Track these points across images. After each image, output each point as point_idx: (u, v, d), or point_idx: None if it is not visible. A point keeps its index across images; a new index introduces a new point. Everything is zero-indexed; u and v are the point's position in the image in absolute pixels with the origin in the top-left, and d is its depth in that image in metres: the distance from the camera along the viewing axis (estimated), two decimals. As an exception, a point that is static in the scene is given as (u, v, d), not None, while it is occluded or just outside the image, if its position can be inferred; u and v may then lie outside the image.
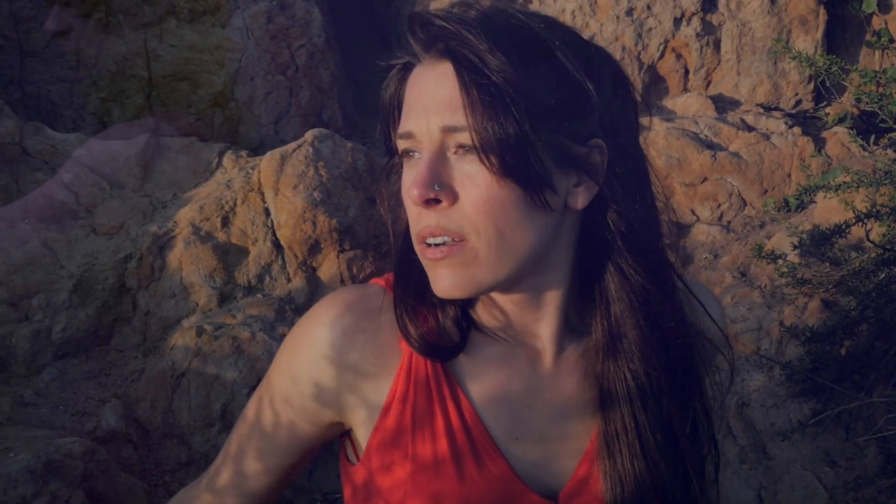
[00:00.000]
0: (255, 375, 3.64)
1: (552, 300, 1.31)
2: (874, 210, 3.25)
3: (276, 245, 4.04)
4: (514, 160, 1.16)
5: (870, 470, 3.17)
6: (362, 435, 1.33)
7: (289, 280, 4.00)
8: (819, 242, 3.29)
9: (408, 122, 1.24)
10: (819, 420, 3.19)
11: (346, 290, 1.34)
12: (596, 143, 1.23)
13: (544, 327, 1.32)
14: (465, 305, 1.32)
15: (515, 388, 1.32)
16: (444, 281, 1.23)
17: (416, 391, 1.29)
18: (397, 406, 1.29)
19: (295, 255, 4.02)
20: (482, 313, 1.33)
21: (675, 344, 1.32)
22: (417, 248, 1.25)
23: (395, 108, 1.30)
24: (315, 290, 4.01)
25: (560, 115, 1.19)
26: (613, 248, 1.28)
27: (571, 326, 1.34)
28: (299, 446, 1.37)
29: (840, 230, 3.23)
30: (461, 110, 1.17)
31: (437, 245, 1.22)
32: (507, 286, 1.27)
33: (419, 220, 1.23)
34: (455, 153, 1.20)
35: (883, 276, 3.19)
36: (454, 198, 1.20)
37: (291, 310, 3.89)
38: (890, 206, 3.26)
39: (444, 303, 1.30)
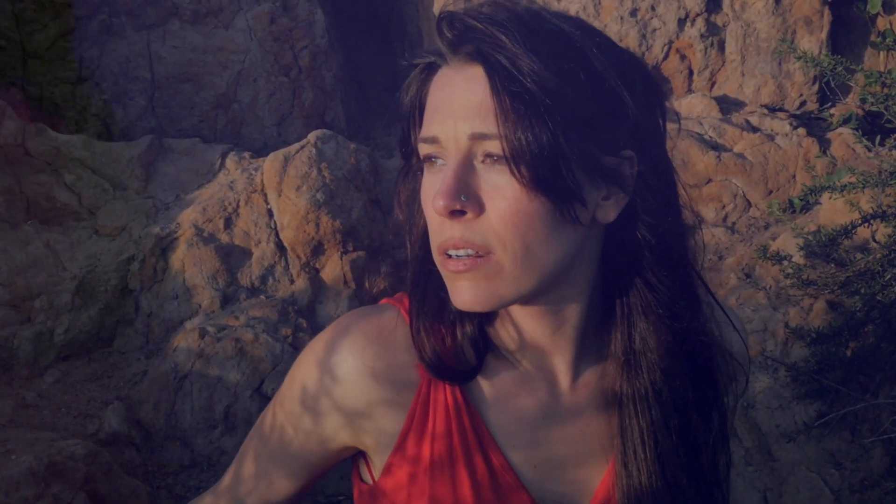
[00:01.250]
0: (257, 377, 3.63)
1: (572, 316, 1.26)
2: (880, 211, 3.24)
3: (279, 246, 4.03)
4: (546, 172, 1.11)
5: (875, 472, 3.15)
6: (375, 453, 1.30)
7: (292, 281, 3.99)
8: (824, 243, 3.27)
9: (433, 127, 1.17)
10: (824, 422, 3.17)
11: (359, 312, 1.30)
12: (627, 155, 1.18)
13: (562, 346, 1.28)
14: (482, 322, 1.27)
15: (534, 415, 1.28)
16: (465, 294, 1.17)
17: (434, 419, 1.25)
18: (414, 435, 1.26)
19: (298, 256, 4.01)
20: (500, 331, 1.28)
21: (700, 360, 1.28)
22: (437, 258, 1.19)
23: (416, 110, 1.24)
24: (318, 292, 4.00)
25: (594, 125, 1.13)
26: (642, 263, 1.23)
27: (589, 344, 1.30)
28: (286, 452, 1.34)
29: (846, 231, 3.21)
30: (491, 117, 1.11)
31: (459, 257, 1.16)
32: (527, 300, 1.22)
33: (441, 231, 1.17)
34: (482, 162, 1.14)
35: (889, 276, 3.17)
36: (480, 209, 1.14)
37: (294, 311, 3.88)
38: (895, 207, 3.25)
39: (462, 317, 1.26)
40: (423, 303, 1.26)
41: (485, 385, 1.27)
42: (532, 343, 1.27)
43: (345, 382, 1.26)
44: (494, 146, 1.12)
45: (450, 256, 1.16)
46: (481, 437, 1.26)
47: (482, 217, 1.14)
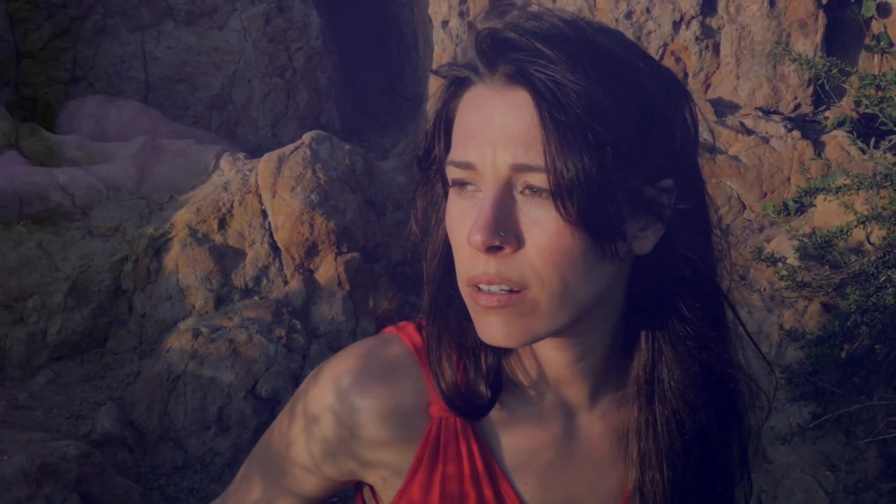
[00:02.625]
0: (251, 378, 3.62)
1: (595, 346, 1.20)
2: (874, 213, 3.24)
3: (274, 247, 4.02)
4: (592, 208, 1.03)
5: (870, 474, 3.15)
6: (380, 490, 1.25)
7: (286, 282, 3.98)
8: (819, 245, 3.27)
9: (468, 152, 1.08)
10: (819, 423, 3.17)
11: (365, 348, 1.23)
12: (667, 185, 1.11)
13: (583, 377, 1.22)
14: (501, 354, 1.21)
15: (548, 452, 1.23)
16: (496, 329, 1.09)
17: (445, 458, 1.20)
18: (422, 475, 1.20)
19: (292, 257, 4.00)
20: (518, 362, 1.22)
21: (726, 391, 1.24)
22: (466, 290, 1.11)
23: (441, 123, 1.15)
24: (312, 293, 3.99)
25: (640, 155, 1.06)
26: (674, 292, 1.17)
27: (609, 372, 1.24)
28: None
29: (841, 232, 3.21)
30: (536, 148, 1.03)
31: (492, 292, 1.08)
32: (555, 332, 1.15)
33: (474, 264, 1.08)
34: (521, 193, 1.06)
35: (883, 279, 3.17)
36: (518, 244, 1.06)
37: (288, 312, 3.87)
38: (890, 209, 3.25)
39: (486, 348, 1.18)
40: (443, 330, 1.19)
41: (498, 421, 1.22)
42: (552, 375, 1.22)
43: (347, 424, 1.20)
44: (537, 178, 1.04)
45: (480, 289, 1.09)
46: (495, 480, 1.22)
47: (520, 252, 1.06)
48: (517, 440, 1.22)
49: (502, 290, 1.07)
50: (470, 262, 1.09)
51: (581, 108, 1.02)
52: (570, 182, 1.02)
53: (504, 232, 1.05)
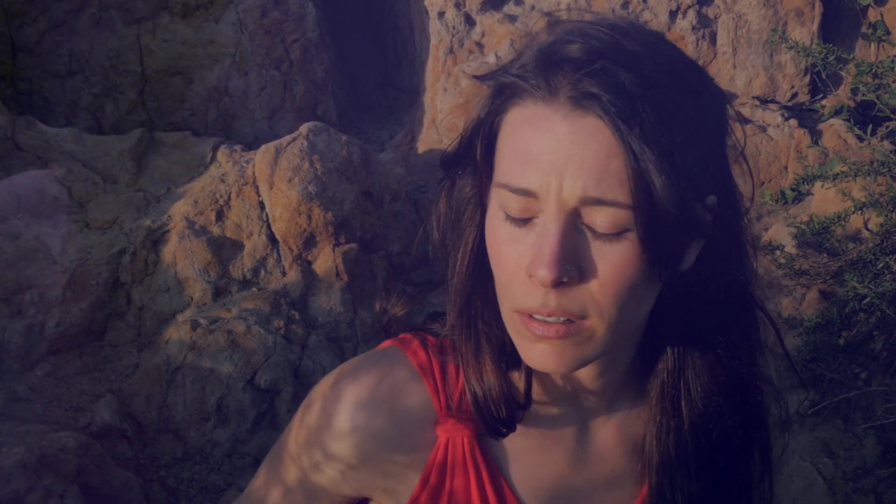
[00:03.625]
0: (250, 369, 3.62)
1: (621, 357, 1.17)
2: (872, 199, 3.24)
3: (271, 239, 4.02)
4: (661, 239, 1.00)
5: (869, 460, 3.16)
6: None
7: (284, 274, 3.98)
8: (817, 232, 3.28)
9: (528, 177, 1.01)
10: (817, 410, 3.18)
11: (367, 367, 1.21)
12: (711, 202, 1.07)
13: (604, 387, 1.19)
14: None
15: (558, 465, 1.21)
16: (546, 357, 1.05)
17: (452, 479, 1.18)
18: (427, 498, 1.18)
19: (290, 248, 4.00)
20: (542, 375, 1.17)
21: (752, 399, 1.22)
22: (514, 317, 1.06)
23: (484, 132, 1.07)
24: (310, 284, 3.99)
25: (696, 174, 1.01)
26: (708, 302, 1.13)
27: (627, 381, 1.21)
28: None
29: (839, 218, 3.22)
30: (608, 180, 0.98)
31: (548, 322, 1.04)
32: None
33: (531, 295, 1.03)
34: (585, 223, 1.01)
35: (881, 265, 3.17)
36: (581, 276, 1.02)
37: (287, 303, 3.87)
38: (888, 196, 3.25)
39: (522, 365, 1.14)
40: (479, 346, 1.15)
41: (510, 437, 1.19)
42: (573, 388, 1.19)
43: (350, 447, 1.18)
44: (607, 212, 1.00)
45: (533, 317, 1.04)
46: (503, 498, 1.20)
47: (581, 284, 1.02)
48: (528, 454, 1.20)
49: (559, 320, 1.04)
50: (526, 293, 1.04)
51: (657, 134, 0.97)
52: (644, 217, 0.98)
53: (570, 266, 1.01)
